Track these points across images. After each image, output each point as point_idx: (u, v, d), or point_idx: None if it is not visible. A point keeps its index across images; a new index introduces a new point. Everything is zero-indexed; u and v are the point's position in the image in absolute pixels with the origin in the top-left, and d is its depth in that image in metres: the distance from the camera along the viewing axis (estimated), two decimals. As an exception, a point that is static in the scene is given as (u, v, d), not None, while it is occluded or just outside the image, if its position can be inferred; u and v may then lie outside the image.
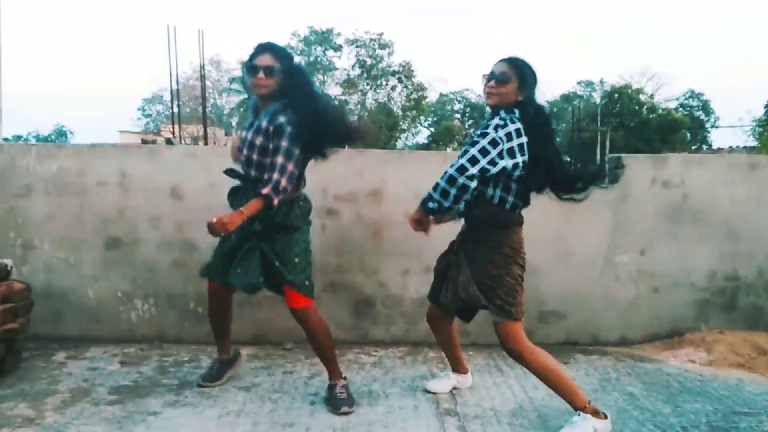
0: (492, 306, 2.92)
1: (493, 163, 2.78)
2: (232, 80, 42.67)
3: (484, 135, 2.83)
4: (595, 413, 2.88)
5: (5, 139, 4.59)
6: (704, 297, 4.44)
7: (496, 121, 2.87)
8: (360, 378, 3.62)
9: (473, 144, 2.83)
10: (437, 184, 2.85)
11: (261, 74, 3.00)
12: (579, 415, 2.89)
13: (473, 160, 2.78)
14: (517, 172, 2.87)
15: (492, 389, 3.48)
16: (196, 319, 4.25)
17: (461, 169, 2.78)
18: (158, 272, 4.24)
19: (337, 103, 3.46)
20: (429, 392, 3.41)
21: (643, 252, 4.38)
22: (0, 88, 4.39)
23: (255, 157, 3.05)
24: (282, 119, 2.98)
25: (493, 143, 2.80)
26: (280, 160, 2.95)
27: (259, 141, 3.03)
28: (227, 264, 3.15)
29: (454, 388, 3.47)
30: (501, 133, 2.81)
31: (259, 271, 3.07)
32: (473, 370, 3.79)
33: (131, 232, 4.22)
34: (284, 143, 2.95)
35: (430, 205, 2.87)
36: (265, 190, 2.92)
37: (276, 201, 2.94)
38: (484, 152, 2.78)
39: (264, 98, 3.09)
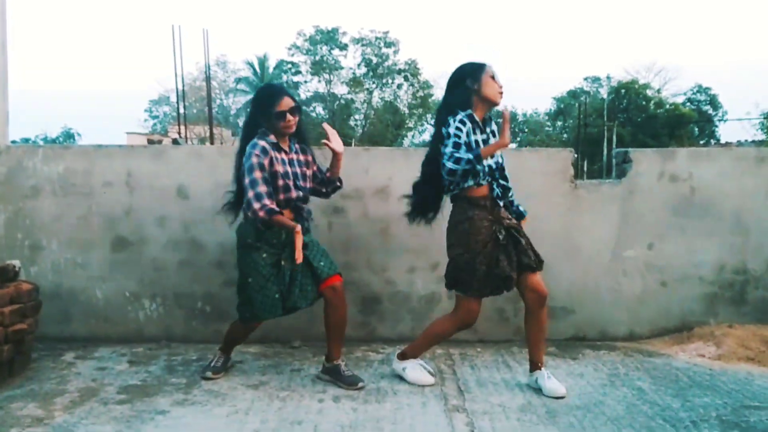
0: (540, 262, 3.38)
1: None
2: (238, 81, 42.77)
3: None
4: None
5: (12, 142, 4.61)
6: (713, 291, 4.42)
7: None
8: (368, 375, 3.62)
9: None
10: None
11: (291, 116, 3.37)
12: (534, 374, 3.41)
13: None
14: None
15: (500, 385, 3.47)
16: (204, 318, 4.26)
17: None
18: (165, 272, 4.25)
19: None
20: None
21: (651, 246, 4.36)
22: (6, 93, 4.40)
23: (309, 185, 3.60)
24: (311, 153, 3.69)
25: None
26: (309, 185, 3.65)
27: (309, 172, 3.60)
28: (282, 296, 3.37)
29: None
30: None
31: (310, 281, 3.42)
32: (481, 366, 3.79)
33: (138, 232, 4.24)
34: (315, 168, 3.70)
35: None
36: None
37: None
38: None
39: (291, 136, 3.54)
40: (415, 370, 3.51)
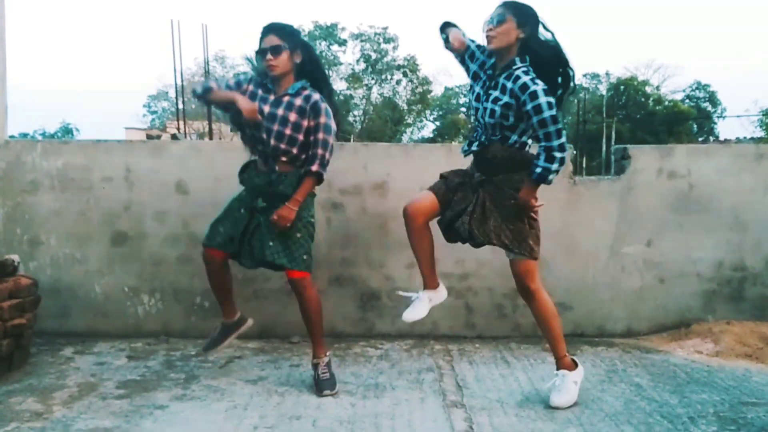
0: (522, 249, 3.07)
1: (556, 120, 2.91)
2: (237, 76, 42.67)
3: (532, 97, 2.88)
4: (570, 365, 3.18)
5: (11, 137, 4.60)
6: (711, 287, 4.42)
7: (528, 78, 2.93)
8: (366, 371, 3.63)
9: (539, 112, 2.88)
10: (554, 157, 2.89)
11: (269, 55, 3.18)
12: (557, 375, 3.15)
13: (558, 133, 2.90)
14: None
15: (499, 381, 3.48)
16: (203, 313, 4.26)
17: (560, 147, 2.90)
18: (164, 267, 4.25)
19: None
20: (407, 321, 3.35)
21: (650, 243, 4.37)
22: (5, 86, 4.39)
23: (288, 131, 3.22)
24: (317, 97, 3.24)
25: (550, 105, 2.89)
26: (321, 135, 3.22)
27: (293, 118, 3.22)
28: (233, 237, 3.30)
29: (432, 304, 3.40)
30: (541, 91, 2.89)
31: (266, 251, 3.24)
32: (479, 362, 3.80)
33: (137, 227, 4.24)
34: (323, 119, 3.22)
35: (551, 177, 2.95)
36: (314, 167, 3.21)
37: (324, 175, 3.26)
38: (554, 120, 2.89)
39: (278, 77, 3.26)
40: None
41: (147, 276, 4.27)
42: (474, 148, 3.18)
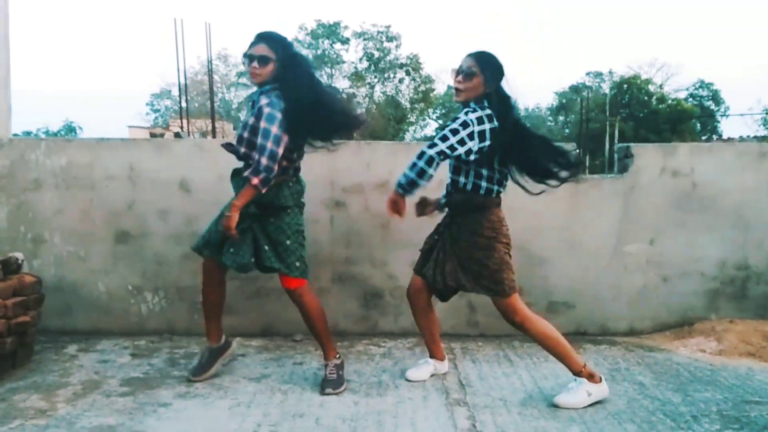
0: (481, 289, 3.12)
1: (462, 142, 2.95)
2: (240, 74, 42.68)
3: (455, 120, 3.03)
4: (591, 377, 3.11)
5: (14, 135, 4.61)
6: (714, 286, 4.42)
7: (468, 109, 3.07)
8: (369, 369, 3.63)
9: (444, 127, 3.02)
10: (411, 163, 3.00)
11: (255, 63, 3.16)
12: (575, 380, 3.12)
13: (444, 138, 2.95)
14: (482, 155, 3.02)
15: (501, 379, 3.48)
16: (206, 311, 4.26)
17: (432, 145, 2.96)
18: (168, 265, 4.26)
19: (341, 94, 3.51)
20: (409, 381, 3.43)
21: (652, 241, 4.37)
22: (8, 85, 4.41)
23: (245, 135, 3.19)
24: (264, 101, 3.14)
25: (464, 125, 2.97)
26: (260, 140, 3.08)
27: (251, 121, 3.18)
28: (221, 242, 3.25)
29: (433, 375, 3.52)
30: (472, 116, 2.99)
31: (251, 252, 3.19)
32: (482, 360, 3.80)
33: (140, 226, 4.24)
34: (264, 124, 3.07)
35: (401, 180, 3.02)
36: (247, 173, 3.10)
37: (256, 181, 3.06)
38: (454, 132, 2.96)
39: (260, 86, 3.24)
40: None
41: (150, 274, 4.27)
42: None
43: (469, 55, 3.14)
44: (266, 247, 3.19)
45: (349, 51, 42.02)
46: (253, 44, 3.19)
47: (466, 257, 3.12)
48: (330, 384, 3.27)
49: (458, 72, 3.12)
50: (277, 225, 3.22)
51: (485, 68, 3.08)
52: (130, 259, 4.26)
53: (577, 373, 3.12)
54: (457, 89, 3.14)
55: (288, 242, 3.23)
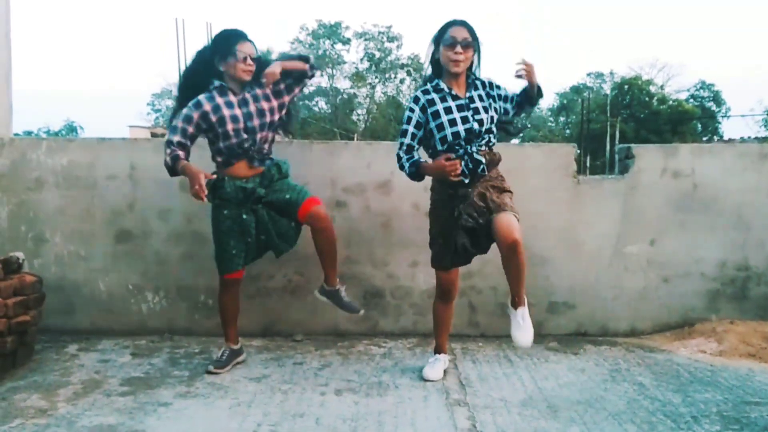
0: (510, 208, 3.14)
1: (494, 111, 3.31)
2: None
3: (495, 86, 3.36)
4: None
5: (15, 134, 4.62)
6: (714, 287, 4.42)
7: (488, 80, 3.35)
8: (370, 369, 3.63)
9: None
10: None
11: (250, 61, 3.44)
12: (516, 312, 3.17)
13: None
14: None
15: (502, 379, 3.48)
16: (207, 311, 4.27)
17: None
18: (168, 265, 4.26)
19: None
20: (428, 380, 3.43)
21: (653, 242, 4.37)
22: (10, 85, 4.41)
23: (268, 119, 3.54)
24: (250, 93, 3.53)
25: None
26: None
27: (266, 106, 3.53)
28: (260, 246, 3.54)
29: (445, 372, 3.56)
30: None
31: (288, 224, 3.53)
32: (482, 360, 3.80)
33: (141, 225, 4.25)
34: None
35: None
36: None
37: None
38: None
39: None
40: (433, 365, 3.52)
41: (151, 273, 4.28)
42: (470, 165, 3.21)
43: (456, 23, 3.20)
44: (288, 196, 3.46)
45: (350, 51, 42.24)
46: (244, 41, 3.42)
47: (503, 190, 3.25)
48: (355, 305, 3.72)
49: (454, 43, 3.14)
50: (281, 185, 3.51)
51: (475, 38, 3.21)
52: (130, 258, 4.27)
53: (515, 299, 3.17)
54: (457, 61, 3.16)
55: (292, 182, 3.57)
